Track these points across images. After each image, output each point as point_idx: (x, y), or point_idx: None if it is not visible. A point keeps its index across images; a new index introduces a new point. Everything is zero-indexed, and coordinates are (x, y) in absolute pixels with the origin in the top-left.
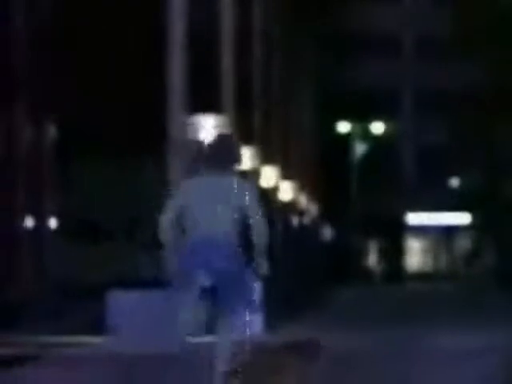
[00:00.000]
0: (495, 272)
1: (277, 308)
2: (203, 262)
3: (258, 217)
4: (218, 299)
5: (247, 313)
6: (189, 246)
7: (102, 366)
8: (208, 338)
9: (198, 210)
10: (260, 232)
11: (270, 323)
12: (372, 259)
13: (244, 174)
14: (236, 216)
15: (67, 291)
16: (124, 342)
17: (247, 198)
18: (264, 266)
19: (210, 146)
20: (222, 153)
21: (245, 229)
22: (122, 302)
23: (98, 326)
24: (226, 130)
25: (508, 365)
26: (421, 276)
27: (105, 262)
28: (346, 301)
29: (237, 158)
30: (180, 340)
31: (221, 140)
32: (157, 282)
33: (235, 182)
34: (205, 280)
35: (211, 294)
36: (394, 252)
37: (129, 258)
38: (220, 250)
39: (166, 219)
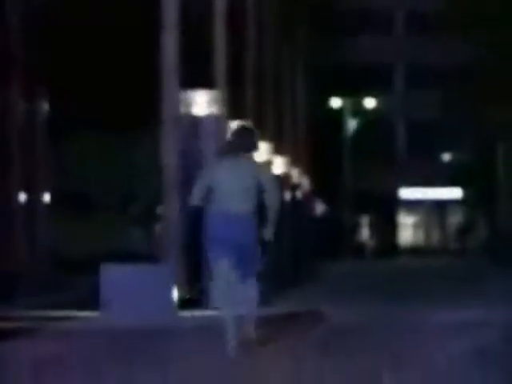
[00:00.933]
0: (487, 246)
1: (270, 282)
2: (226, 232)
3: (272, 194)
4: (235, 265)
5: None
6: (216, 218)
7: (95, 339)
8: (198, 311)
9: (222, 189)
10: (273, 207)
11: (264, 297)
12: (364, 234)
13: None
14: (254, 193)
15: (61, 265)
16: (117, 316)
17: (264, 178)
18: (269, 234)
19: (233, 135)
20: (244, 141)
21: (261, 204)
22: (115, 276)
23: (91, 299)
24: (246, 123)
25: (501, 338)
26: (413, 251)
27: (98, 235)
28: (338, 275)
29: (255, 146)
30: (172, 313)
31: (242, 130)
32: (150, 256)
33: (254, 165)
34: (228, 251)
35: (230, 261)
36: (386, 227)
37: (122, 231)
38: (240, 223)
39: (195, 195)
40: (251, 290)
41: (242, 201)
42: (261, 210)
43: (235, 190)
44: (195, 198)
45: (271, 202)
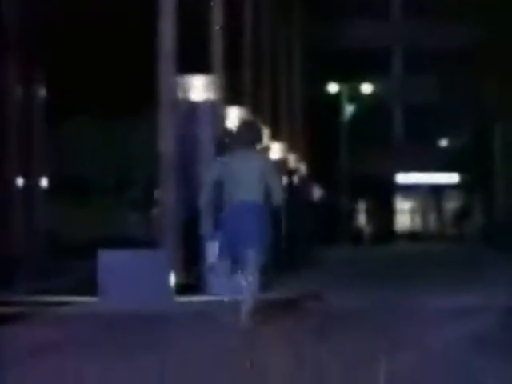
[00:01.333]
0: (484, 231)
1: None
2: (238, 221)
3: (276, 185)
4: (247, 249)
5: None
6: (228, 207)
7: (93, 324)
8: (195, 297)
9: (231, 181)
10: (278, 197)
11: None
12: (361, 219)
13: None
14: (261, 184)
15: (58, 250)
16: (115, 301)
17: (268, 169)
18: (280, 228)
19: (237, 129)
20: (248, 135)
21: (267, 192)
22: (112, 261)
23: (88, 285)
24: (250, 117)
25: (498, 323)
26: (410, 236)
27: (96, 220)
28: (335, 261)
29: (260, 139)
30: (169, 298)
31: (247, 124)
32: (147, 241)
33: (259, 157)
34: (239, 239)
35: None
36: (383, 212)
37: (120, 216)
38: (249, 212)
39: (206, 186)
40: (254, 277)
41: (250, 191)
42: (268, 199)
43: (244, 181)
44: (206, 187)
45: (276, 200)
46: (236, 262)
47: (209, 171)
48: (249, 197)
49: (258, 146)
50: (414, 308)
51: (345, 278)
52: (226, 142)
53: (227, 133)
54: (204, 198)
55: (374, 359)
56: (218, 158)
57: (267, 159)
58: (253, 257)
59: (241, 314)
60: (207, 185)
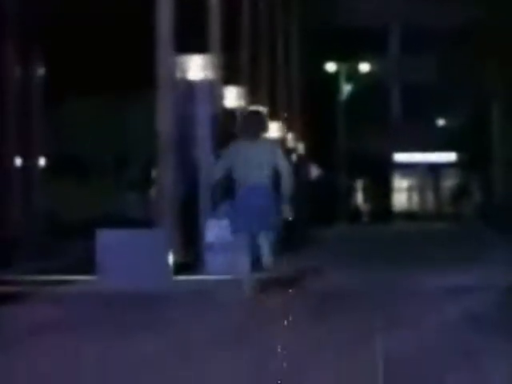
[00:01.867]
0: (482, 210)
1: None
2: (247, 204)
3: (284, 170)
4: (255, 225)
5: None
6: (238, 195)
7: (91, 303)
8: (193, 276)
9: (242, 167)
10: (286, 182)
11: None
12: (359, 198)
13: (232, 114)
14: (269, 169)
15: (57, 230)
16: (113, 281)
17: (276, 156)
18: (288, 212)
19: (245, 118)
20: (256, 124)
21: (275, 177)
22: (110, 241)
23: (86, 264)
24: (257, 107)
25: (495, 302)
26: (407, 215)
27: (94, 200)
28: (332, 239)
29: (266, 128)
30: (167, 277)
31: (254, 114)
32: (145, 220)
33: (267, 144)
34: (248, 217)
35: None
36: (380, 191)
37: (118, 196)
38: (257, 192)
39: (217, 172)
40: (266, 255)
41: (258, 174)
42: (277, 182)
43: (253, 166)
44: (217, 172)
45: (285, 183)
46: (247, 239)
47: (221, 157)
48: (259, 180)
49: (265, 134)
50: (412, 287)
51: (343, 256)
52: (236, 131)
53: (237, 122)
54: (215, 180)
55: (371, 337)
56: (230, 145)
57: (275, 146)
58: (262, 235)
59: (245, 288)
60: (218, 169)
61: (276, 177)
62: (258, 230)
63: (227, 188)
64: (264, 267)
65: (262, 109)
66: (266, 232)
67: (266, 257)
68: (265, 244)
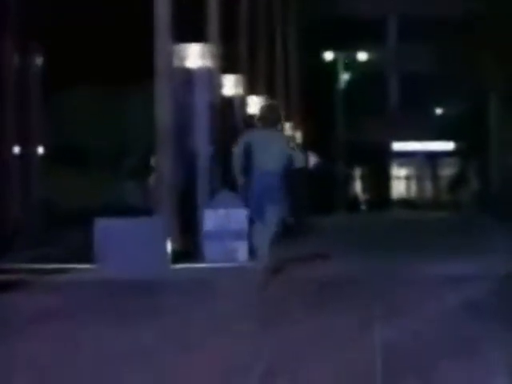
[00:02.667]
0: (479, 199)
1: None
2: (262, 186)
3: (298, 153)
4: (264, 207)
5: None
6: (254, 176)
7: (89, 291)
8: (192, 264)
9: (257, 153)
10: (299, 160)
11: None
12: (357, 187)
13: (230, 101)
14: (282, 155)
15: (55, 219)
16: (111, 269)
17: (288, 144)
18: (301, 160)
19: (262, 111)
20: (271, 116)
21: (288, 163)
22: (109, 229)
23: (85, 253)
24: (272, 100)
25: (492, 290)
26: (405, 203)
27: (92, 189)
28: (331, 228)
29: (280, 119)
30: (165, 265)
31: (270, 107)
32: (143, 209)
33: (280, 134)
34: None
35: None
36: (378, 180)
37: (116, 184)
38: (272, 176)
39: (236, 159)
40: (270, 229)
41: (271, 161)
42: (289, 169)
43: (268, 153)
44: (236, 159)
45: (298, 161)
46: (259, 218)
47: (238, 145)
48: (272, 165)
49: (279, 125)
50: (410, 275)
51: (341, 245)
52: (253, 122)
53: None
54: (236, 166)
55: (370, 326)
56: (245, 136)
57: (287, 136)
58: (273, 215)
59: (259, 269)
60: (238, 155)
61: (288, 164)
62: (267, 205)
63: (245, 170)
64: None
65: (277, 102)
66: (273, 207)
67: (274, 236)
68: (272, 220)
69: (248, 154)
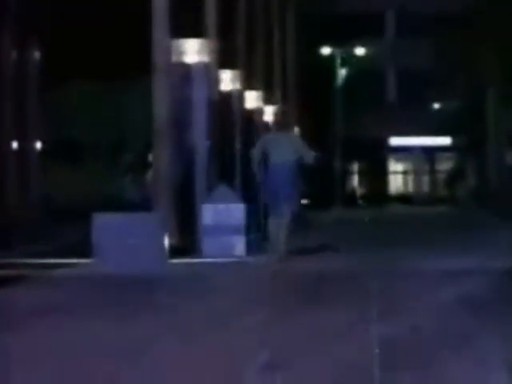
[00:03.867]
0: (476, 194)
1: (261, 230)
2: (276, 179)
3: (308, 150)
4: (278, 198)
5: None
6: (270, 169)
7: (87, 286)
8: (189, 259)
9: (273, 151)
10: (309, 156)
11: (252, 246)
12: (355, 182)
13: (228, 96)
14: (292, 152)
15: (53, 214)
16: (109, 264)
17: (299, 143)
18: (311, 157)
19: (275, 116)
20: (283, 120)
21: (299, 159)
22: (106, 224)
23: (83, 248)
24: (284, 107)
25: (489, 285)
26: (403, 198)
27: (90, 184)
28: (328, 223)
29: (291, 124)
30: (163, 261)
31: (282, 113)
32: (141, 204)
33: (292, 135)
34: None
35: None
36: (376, 175)
37: (114, 180)
38: (285, 171)
39: (255, 156)
40: (286, 219)
41: (285, 156)
42: (298, 164)
43: (281, 150)
44: (255, 155)
45: (308, 158)
46: (274, 208)
47: (256, 146)
48: (285, 159)
49: (290, 128)
50: (407, 270)
51: (338, 240)
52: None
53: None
54: (255, 161)
55: (367, 321)
56: (264, 136)
57: (298, 137)
58: (285, 205)
59: (276, 254)
60: (256, 154)
61: (298, 160)
62: (282, 197)
63: (263, 164)
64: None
65: (288, 109)
66: (288, 200)
67: (287, 224)
68: (285, 207)
69: (265, 153)
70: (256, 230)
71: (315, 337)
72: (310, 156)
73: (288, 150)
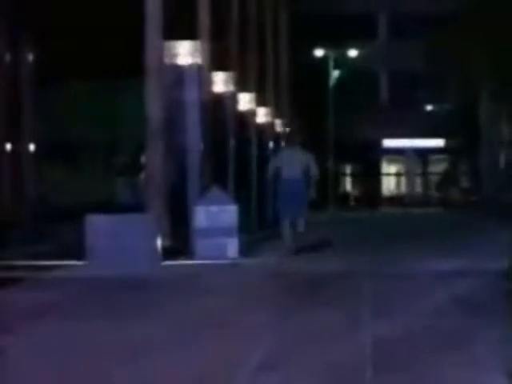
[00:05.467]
0: (469, 196)
1: (253, 232)
2: (289, 189)
3: (314, 166)
4: (292, 205)
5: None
6: (282, 182)
7: (80, 288)
8: (182, 261)
9: (285, 165)
10: (314, 175)
11: (245, 248)
12: (347, 183)
13: (220, 99)
14: (303, 167)
15: (47, 215)
16: (102, 265)
17: (307, 159)
18: (313, 194)
19: (287, 135)
20: (293, 138)
21: (307, 173)
22: (100, 226)
23: (76, 249)
24: (293, 127)
25: (480, 287)
26: (396, 200)
27: (83, 185)
28: (321, 224)
29: (299, 142)
30: (156, 262)
31: (291, 132)
32: (134, 206)
33: (302, 151)
34: (289, 199)
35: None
36: (369, 176)
37: (107, 181)
38: (296, 183)
39: (270, 170)
40: (300, 224)
41: (295, 170)
42: (307, 176)
43: (292, 165)
44: (270, 170)
45: (313, 173)
46: (286, 214)
47: (271, 161)
48: (295, 175)
49: (298, 143)
50: (400, 272)
51: (337, 241)
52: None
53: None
54: (270, 175)
55: (361, 323)
56: (277, 152)
57: (307, 153)
58: (296, 212)
59: (287, 247)
60: (271, 167)
61: (306, 173)
62: (296, 209)
63: (276, 178)
64: (298, 232)
65: (297, 128)
66: (300, 209)
67: (300, 226)
68: (300, 218)
69: (278, 167)
70: (248, 231)
71: (306, 338)
72: (315, 170)
73: (297, 165)
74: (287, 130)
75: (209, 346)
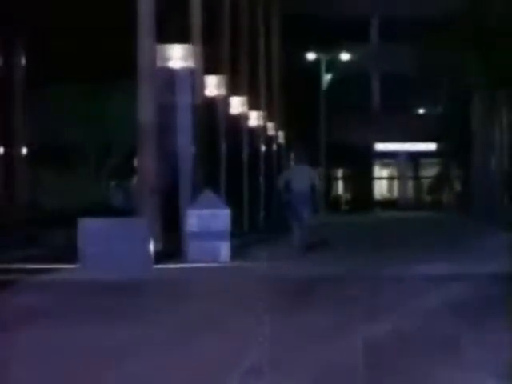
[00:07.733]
0: (461, 200)
1: (245, 236)
2: (297, 199)
3: (317, 183)
4: (299, 211)
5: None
6: (292, 194)
7: (73, 291)
8: (174, 264)
9: (293, 180)
10: (317, 189)
11: (237, 251)
12: (340, 187)
13: (213, 102)
14: (308, 182)
15: (38, 219)
16: (95, 269)
17: (313, 175)
18: (316, 206)
19: (296, 152)
20: (301, 156)
21: (312, 187)
22: (92, 230)
23: (69, 252)
24: (300, 146)
25: (471, 290)
26: (388, 203)
27: (75, 189)
28: (313, 228)
29: (306, 159)
30: (148, 265)
31: (299, 151)
32: (126, 209)
33: (308, 168)
34: (297, 207)
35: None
36: (361, 180)
37: (99, 185)
38: (303, 195)
39: (280, 183)
40: (304, 227)
41: (302, 184)
42: (312, 189)
43: (300, 179)
44: (280, 185)
45: (318, 185)
46: (296, 219)
47: (282, 175)
48: (302, 187)
49: (306, 161)
50: (391, 275)
51: (323, 245)
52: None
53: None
54: (282, 189)
55: (353, 325)
56: (287, 169)
57: (311, 169)
58: (303, 216)
59: (297, 246)
60: (281, 181)
61: (311, 187)
62: (302, 211)
63: (286, 190)
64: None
65: (303, 146)
66: (305, 211)
67: (305, 228)
68: (304, 217)
69: (287, 181)
70: (240, 234)
71: (299, 338)
72: (317, 183)
73: (304, 179)
74: (295, 147)
75: (198, 348)
